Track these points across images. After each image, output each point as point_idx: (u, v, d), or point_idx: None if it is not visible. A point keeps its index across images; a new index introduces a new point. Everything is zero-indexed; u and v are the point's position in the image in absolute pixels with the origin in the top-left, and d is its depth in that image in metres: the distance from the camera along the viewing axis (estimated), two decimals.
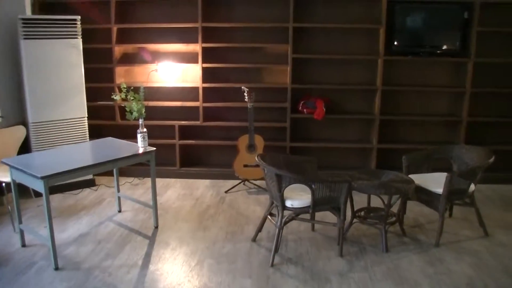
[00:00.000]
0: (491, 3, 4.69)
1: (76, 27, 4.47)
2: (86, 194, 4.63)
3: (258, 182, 4.93)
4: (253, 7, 4.97)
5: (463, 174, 3.45)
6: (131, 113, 3.64)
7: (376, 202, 4.13)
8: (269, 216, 3.50)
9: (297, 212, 3.27)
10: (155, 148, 3.71)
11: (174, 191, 4.79)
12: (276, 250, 3.27)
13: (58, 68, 4.43)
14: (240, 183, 4.90)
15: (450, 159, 3.97)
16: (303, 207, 3.22)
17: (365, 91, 5.11)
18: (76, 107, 4.60)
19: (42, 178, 2.97)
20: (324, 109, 4.93)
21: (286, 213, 3.30)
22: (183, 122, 5.10)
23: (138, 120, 3.66)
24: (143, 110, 3.63)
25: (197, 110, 5.07)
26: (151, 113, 4.85)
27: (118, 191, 4.15)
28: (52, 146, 4.43)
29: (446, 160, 4.02)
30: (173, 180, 5.11)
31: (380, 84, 4.87)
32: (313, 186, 3.14)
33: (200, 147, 5.33)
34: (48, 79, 4.39)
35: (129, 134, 5.08)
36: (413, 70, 5.04)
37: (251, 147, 4.75)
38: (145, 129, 3.66)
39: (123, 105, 3.71)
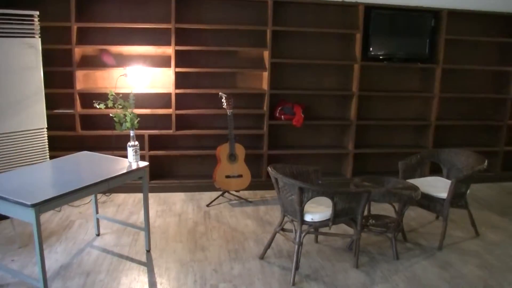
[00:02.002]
0: (457, 12, 4.94)
1: (33, 24, 3.86)
2: (49, 217, 4.01)
3: (238, 193, 4.68)
4: (228, 9, 4.71)
5: (464, 179, 3.53)
6: (121, 124, 3.20)
7: (374, 209, 4.11)
8: (281, 231, 3.29)
9: (316, 226, 3.11)
10: (147, 163, 3.30)
11: (150, 207, 4.33)
12: (297, 268, 3.07)
13: (12, 71, 3.79)
14: (220, 195, 4.60)
15: (439, 162, 4.09)
16: (323, 221, 3.07)
17: (339, 97, 5.11)
18: (34, 116, 3.97)
19: (33, 206, 2.47)
20: (303, 115, 4.83)
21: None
22: (153, 131, 4.66)
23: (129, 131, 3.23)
24: (136, 120, 3.21)
25: (169, 118, 4.67)
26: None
27: (97, 212, 3.64)
28: (6, 163, 3.78)
29: (432, 163, 4.14)
30: None
31: (357, 90, 4.89)
32: (334, 198, 3.00)
33: (172, 158, 4.93)
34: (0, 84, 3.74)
35: (94, 146, 4.56)
36: (386, 76, 5.16)
37: (232, 157, 4.49)
38: (137, 142, 3.25)
39: (111, 114, 3.24)
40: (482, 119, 5.37)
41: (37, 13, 3.87)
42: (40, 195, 2.57)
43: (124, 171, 3.07)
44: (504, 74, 5.28)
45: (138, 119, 3.24)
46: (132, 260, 3.31)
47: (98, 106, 3.26)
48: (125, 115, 3.19)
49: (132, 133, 3.24)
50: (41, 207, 2.51)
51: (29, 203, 2.46)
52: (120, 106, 3.21)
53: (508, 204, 4.73)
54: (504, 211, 4.50)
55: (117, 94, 3.24)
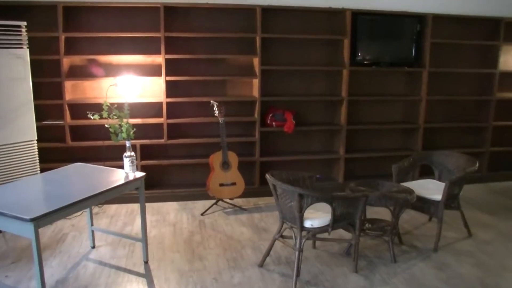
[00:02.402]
0: (442, 17, 5.05)
1: (21, 34, 3.80)
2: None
3: (232, 201, 4.66)
4: (216, 16, 4.72)
5: (457, 180, 3.60)
6: (117, 135, 3.17)
7: (368, 213, 4.15)
8: (280, 239, 3.29)
9: (316, 232, 3.12)
10: (144, 174, 3.27)
11: None
12: (298, 275, 3.07)
13: (1, 83, 3.71)
14: (214, 203, 4.58)
15: (431, 165, 4.15)
16: (323, 226, 3.08)
17: (329, 102, 5.16)
18: (24, 128, 3.89)
19: (32, 220, 2.42)
20: (294, 122, 4.86)
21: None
22: (145, 141, 4.62)
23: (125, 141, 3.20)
24: (132, 131, 3.18)
25: (160, 127, 4.64)
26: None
27: (92, 224, 3.58)
28: None
29: (422, 166, 4.20)
30: (136, 205, 4.59)
31: (346, 95, 4.94)
32: (333, 203, 3.02)
33: (164, 167, 4.89)
34: None
35: (85, 157, 4.49)
36: (374, 80, 5.23)
37: (225, 165, 4.47)
38: (133, 153, 3.21)
39: (107, 125, 3.21)
40: (468, 121, 5.50)
41: (25, 23, 3.81)
42: (38, 209, 2.52)
43: (122, 182, 3.03)
44: (487, 76, 5.41)
45: (134, 129, 3.21)
46: (130, 272, 3.26)
47: (92, 117, 3.22)
48: (120, 126, 3.15)
49: (128, 143, 3.20)
50: (40, 221, 2.46)
51: (28, 217, 2.41)
52: (115, 117, 3.17)
53: (496, 204, 4.84)
54: (493, 211, 4.60)
55: (111, 104, 3.20)
